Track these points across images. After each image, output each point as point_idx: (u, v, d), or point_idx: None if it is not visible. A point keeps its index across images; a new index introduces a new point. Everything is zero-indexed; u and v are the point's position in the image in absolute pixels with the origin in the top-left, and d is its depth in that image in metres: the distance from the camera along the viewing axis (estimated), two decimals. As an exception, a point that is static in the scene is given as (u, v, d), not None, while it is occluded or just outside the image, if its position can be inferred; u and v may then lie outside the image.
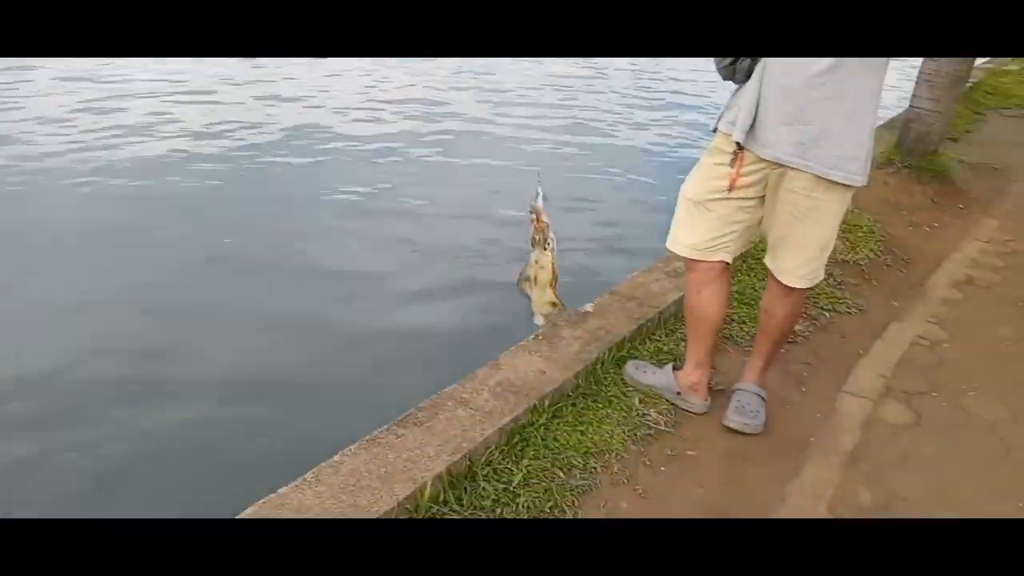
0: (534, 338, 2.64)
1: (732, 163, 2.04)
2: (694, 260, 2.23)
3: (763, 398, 2.40)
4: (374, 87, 9.17)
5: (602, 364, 2.55)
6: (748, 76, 1.97)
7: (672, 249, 2.28)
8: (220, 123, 7.01)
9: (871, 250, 3.75)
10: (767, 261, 2.25)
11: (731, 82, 2.05)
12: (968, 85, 8.73)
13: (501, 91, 9.49)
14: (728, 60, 1.97)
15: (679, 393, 2.42)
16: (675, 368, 2.47)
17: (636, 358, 2.61)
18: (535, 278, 2.51)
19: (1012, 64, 11.35)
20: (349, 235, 4.89)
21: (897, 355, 2.91)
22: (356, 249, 4.70)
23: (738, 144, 2.00)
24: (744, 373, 2.46)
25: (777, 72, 1.90)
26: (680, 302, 2.91)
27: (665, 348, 2.75)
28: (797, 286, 2.18)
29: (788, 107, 1.90)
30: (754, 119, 1.96)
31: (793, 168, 1.97)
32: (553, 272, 2.67)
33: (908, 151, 4.87)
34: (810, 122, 1.89)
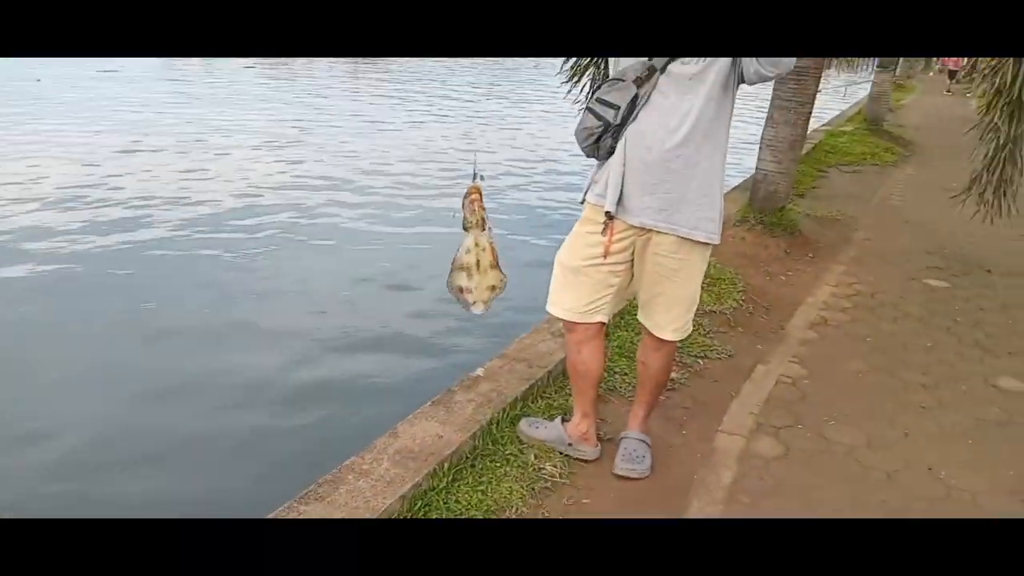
0: (430, 404, 2.72)
1: (604, 231, 2.22)
2: (574, 323, 2.39)
3: (648, 444, 2.56)
4: (250, 170, 9.20)
5: (497, 424, 2.65)
6: (610, 153, 2.18)
7: (553, 313, 2.43)
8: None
9: (735, 300, 4.08)
10: (640, 318, 2.44)
11: (594, 159, 2.26)
12: (811, 145, 9.69)
13: (386, 164, 9.73)
14: (591, 140, 2.18)
15: (571, 444, 2.55)
16: (564, 420, 2.61)
17: (528, 415, 2.74)
18: (477, 263, 2.38)
19: (847, 125, 12.65)
20: (232, 313, 4.89)
21: (765, 394, 3.17)
22: (246, 328, 4.71)
23: (608, 214, 2.19)
24: (628, 422, 2.62)
25: (638, 148, 2.12)
26: (565, 361, 3.07)
27: (555, 404, 2.88)
28: (670, 339, 2.38)
29: (650, 178, 2.12)
30: (621, 191, 2.16)
31: (658, 232, 2.18)
32: (494, 251, 2.50)
33: (760, 209, 5.35)
34: (671, 191, 2.12)
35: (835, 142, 10.21)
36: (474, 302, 2.38)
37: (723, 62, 2.05)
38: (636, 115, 2.10)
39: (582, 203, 2.32)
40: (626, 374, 3.17)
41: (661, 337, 2.38)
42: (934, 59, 40.08)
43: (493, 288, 2.39)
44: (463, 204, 2.26)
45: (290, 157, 10.07)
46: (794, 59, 2.07)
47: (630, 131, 2.12)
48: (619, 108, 2.09)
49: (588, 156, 2.26)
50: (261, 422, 3.69)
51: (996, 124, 4.01)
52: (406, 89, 19.20)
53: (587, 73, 5.63)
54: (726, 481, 2.54)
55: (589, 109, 2.17)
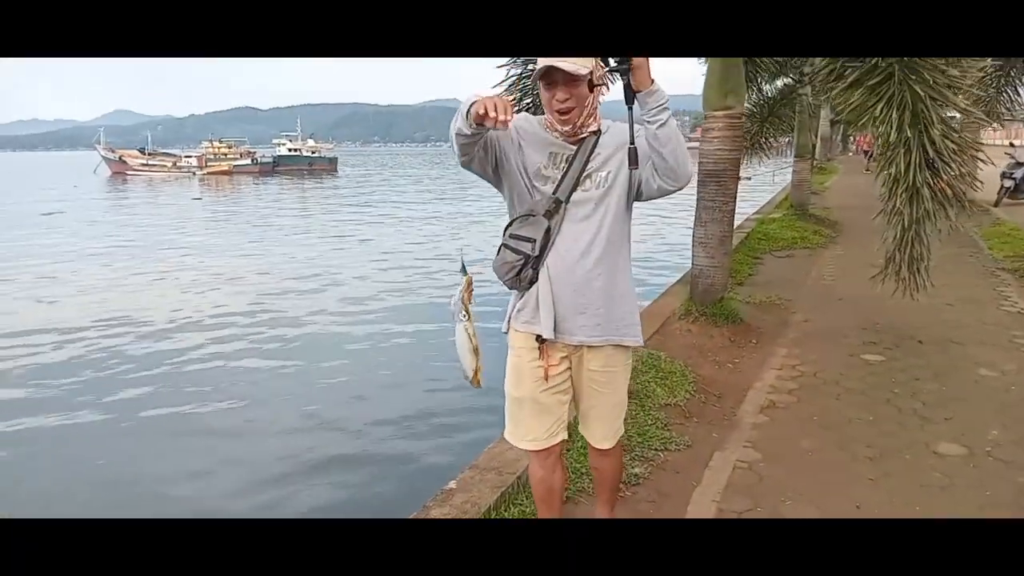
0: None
1: (540, 356, 2.35)
2: (538, 451, 2.48)
3: None
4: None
5: (473, 536, 2.75)
6: (532, 283, 2.32)
7: (517, 445, 2.50)
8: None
9: (687, 391, 4.29)
10: (581, 430, 2.57)
11: (516, 289, 2.37)
12: (744, 234, 10.24)
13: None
14: (513, 273, 2.30)
15: None
16: None
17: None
18: (476, 346, 2.37)
19: (776, 212, 13.39)
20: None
21: (724, 480, 3.33)
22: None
23: (539, 339, 2.32)
24: None
25: (561, 273, 2.28)
26: (534, 466, 3.21)
27: (528, 510, 2.99)
28: (611, 447, 2.52)
29: (580, 299, 2.29)
30: (555, 315, 2.30)
31: (590, 348, 2.35)
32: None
33: (700, 301, 5.66)
34: (600, 306, 2.30)
35: (767, 229, 10.81)
36: (479, 381, 2.36)
37: (620, 185, 2.25)
38: (552, 244, 2.27)
39: (506, 333, 2.44)
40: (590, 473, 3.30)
41: (601, 448, 2.52)
42: (851, 139, 42.87)
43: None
44: (461, 296, 2.28)
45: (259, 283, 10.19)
46: (691, 172, 2.26)
47: (550, 260, 2.27)
48: (535, 241, 2.25)
49: (510, 288, 2.38)
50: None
51: (899, 208, 4.43)
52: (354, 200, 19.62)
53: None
54: (696, 569, 2.66)
55: (506, 245, 2.31)
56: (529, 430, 2.43)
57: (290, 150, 76.07)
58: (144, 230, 20.46)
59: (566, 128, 2.19)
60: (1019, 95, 10.48)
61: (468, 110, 1.96)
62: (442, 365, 6.72)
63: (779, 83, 10.05)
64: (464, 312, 2.28)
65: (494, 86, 6.01)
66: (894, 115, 4.41)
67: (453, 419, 5.78)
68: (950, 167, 4.44)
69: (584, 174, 2.23)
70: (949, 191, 4.44)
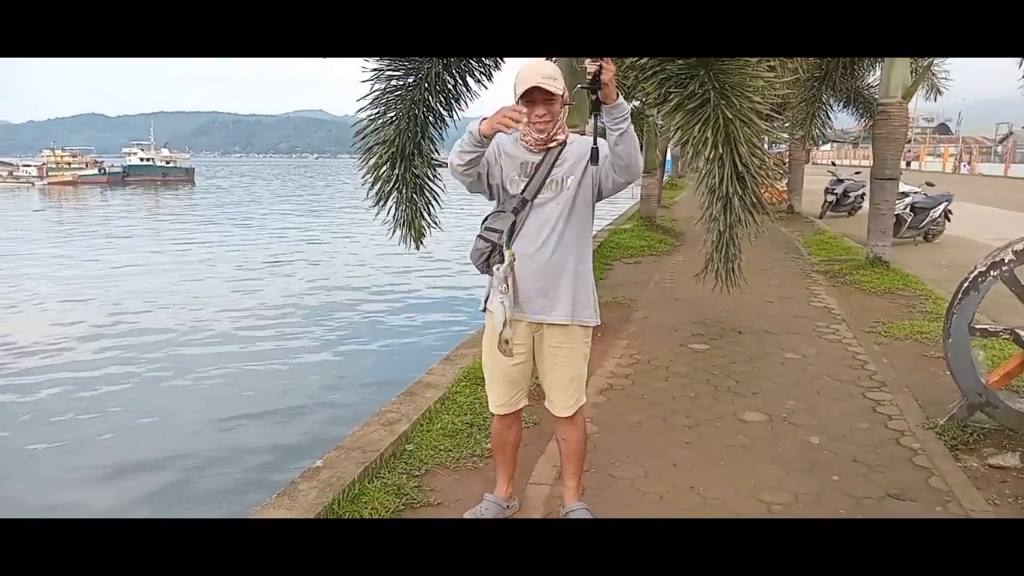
0: (276, 496, 3.07)
1: (505, 329, 2.68)
2: (504, 415, 2.91)
3: (589, 509, 3.01)
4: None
5: (338, 504, 3.05)
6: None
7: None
8: None
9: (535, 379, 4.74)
10: (546, 405, 2.95)
11: (488, 274, 2.75)
12: (598, 243, 10.97)
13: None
14: (483, 259, 2.69)
15: (507, 506, 3.07)
16: (489, 494, 3.09)
17: (366, 495, 3.15)
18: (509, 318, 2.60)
19: (628, 223, 14.33)
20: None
21: (564, 449, 3.79)
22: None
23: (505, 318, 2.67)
24: (565, 498, 3.07)
25: (525, 261, 2.67)
26: (395, 444, 3.57)
27: (390, 482, 3.32)
28: (571, 414, 2.90)
29: (539, 282, 2.70)
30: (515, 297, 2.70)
31: (549, 324, 2.74)
32: None
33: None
34: (557, 289, 2.71)
35: (618, 239, 11.63)
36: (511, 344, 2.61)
37: (580, 187, 2.68)
38: (518, 235, 2.68)
39: (483, 311, 2.85)
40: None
41: (565, 416, 2.90)
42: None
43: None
44: (506, 273, 2.57)
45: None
46: (641, 168, 2.71)
47: (516, 248, 2.67)
48: (502, 232, 2.68)
49: (482, 272, 2.78)
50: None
51: (715, 215, 5.11)
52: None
53: (391, 197, 6.34)
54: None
55: (480, 236, 2.72)
56: (497, 397, 2.88)
57: (142, 159, 71.89)
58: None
59: (541, 136, 2.63)
60: (831, 119, 11.90)
61: (478, 128, 2.48)
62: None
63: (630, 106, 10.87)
64: (505, 285, 2.59)
65: (358, 99, 6.28)
66: (709, 134, 5.10)
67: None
68: (756, 179, 5.18)
69: (548, 178, 2.67)
70: (755, 200, 5.17)
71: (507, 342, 2.61)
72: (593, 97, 2.42)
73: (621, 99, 2.47)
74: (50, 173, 63.90)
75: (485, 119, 2.50)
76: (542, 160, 2.69)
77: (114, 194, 50.52)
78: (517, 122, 2.45)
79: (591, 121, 2.52)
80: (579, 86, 2.61)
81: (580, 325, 2.80)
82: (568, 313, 2.74)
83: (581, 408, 2.94)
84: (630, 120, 2.53)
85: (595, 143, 2.54)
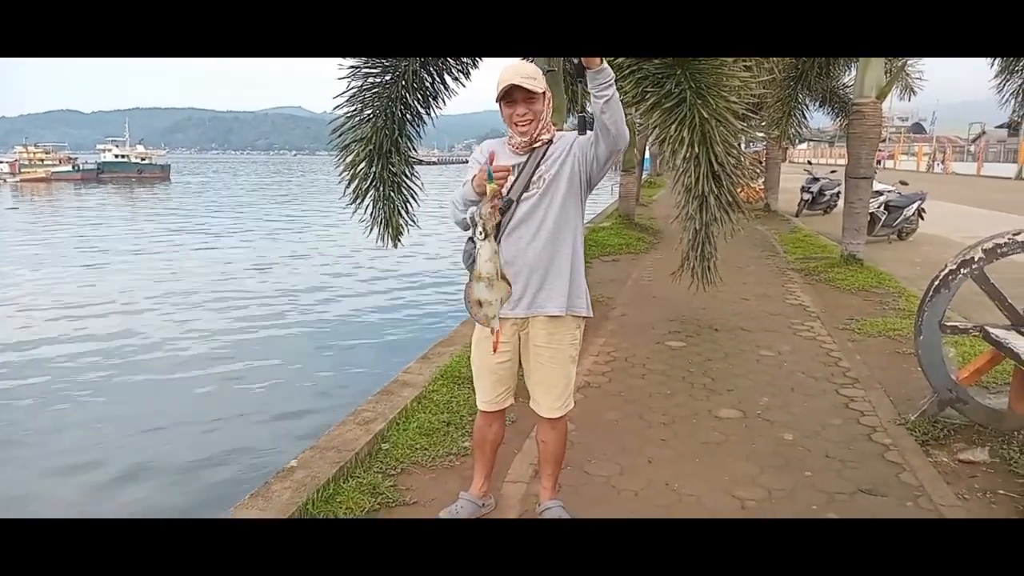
0: (249, 497, 3.04)
1: (492, 332, 2.63)
2: (488, 412, 2.92)
3: (564, 507, 3.01)
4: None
5: (312, 504, 3.03)
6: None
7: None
8: None
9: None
10: (531, 405, 2.93)
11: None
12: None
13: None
14: (471, 259, 2.63)
15: (483, 504, 3.06)
16: (465, 492, 3.08)
17: (340, 495, 3.13)
18: (499, 272, 2.42)
19: (606, 221, 14.38)
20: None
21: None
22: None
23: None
24: (541, 496, 3.07)
25: (514, 258, 2.66)
26: (371, 443, 3.55)
27: (365, 481, 3.30)
28: (557, 416, 2.89)
29: (524, 279, 2.68)
30: None
31: (537, 319, 2.73)
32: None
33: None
34: (543, 284, 2.70)
35: (597, 237, 11.66)
36: (493, 316, 2.45)
37: (565, 180, 2.68)
38: (504, 234, 2.67)
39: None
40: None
41: (549, 416, 2.88)
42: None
43: (501, 302, 2.50)
44: (481, 211, 2.36)
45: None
46: (627, 135, 2.63)
47: (503, 247, 2.65)
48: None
49: (465, 264, 2.76)
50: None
51: (691, 214, 5.15)
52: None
53: (368, 194, 6.31)
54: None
55: (470, 239, 2.68)
56: (483, 394, 2.89)
57: (117, 156, 70.95)
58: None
59: (524, 138, 2.64)
60: (806, 119, 12.04)
61: (471, 189, 2.55)
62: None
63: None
64: (482, 231, 2.36)
65: (335, 96, 6.25)
66: (685, 133, 5.13)
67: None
68: (731, 178, 5.22)
69: (535, 176, 2.67)
70: (731, 198, 5.21)
71: (479, 303, 2.45)
72: (576, 61, 2.42)
73: (605, 64, 2.43)
74: (23, 170, 62.89)
75: (474, 178, 2.55)
76: (527, 161, 2.70)
77: (89, 191, 49.78)
78: (503, 179, 2.49)
79: (569, 119, 2.54)
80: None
81: (573, 316, 2.79)
82: (562, 304, 2.75)
83: (567, 413, 2.94)
84: (615, 87, 2.51)
85: (583, 111, 2.54)
